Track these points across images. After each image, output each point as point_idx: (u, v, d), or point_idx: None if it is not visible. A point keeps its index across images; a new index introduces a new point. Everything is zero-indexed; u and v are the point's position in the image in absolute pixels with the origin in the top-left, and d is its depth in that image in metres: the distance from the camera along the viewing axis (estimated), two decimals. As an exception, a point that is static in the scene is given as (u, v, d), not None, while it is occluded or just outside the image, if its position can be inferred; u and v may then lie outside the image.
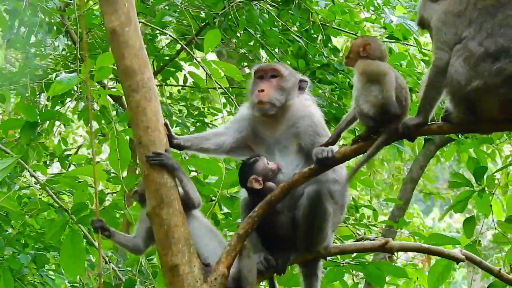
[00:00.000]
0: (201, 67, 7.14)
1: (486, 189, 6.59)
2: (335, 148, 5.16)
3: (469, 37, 4.76)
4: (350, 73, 8.73)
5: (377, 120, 4.97)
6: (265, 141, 5.58)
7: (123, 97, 7.33)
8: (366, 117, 4.99)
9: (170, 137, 5.29)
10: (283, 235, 5.42)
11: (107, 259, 6.70)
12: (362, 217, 8.91)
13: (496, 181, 7.04)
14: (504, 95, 4.69)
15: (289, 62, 8.25)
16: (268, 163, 5.39)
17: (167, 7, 8.32)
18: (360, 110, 4.99)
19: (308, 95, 5.73)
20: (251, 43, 8.71)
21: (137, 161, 5.28)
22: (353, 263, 6.35)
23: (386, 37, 8.93)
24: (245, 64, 8.96)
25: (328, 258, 5.87)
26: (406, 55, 8.39)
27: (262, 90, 5.48)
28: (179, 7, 8.28)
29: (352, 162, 5.60)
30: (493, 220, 6.83)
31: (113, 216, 5.94)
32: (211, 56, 8.35)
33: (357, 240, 6.42)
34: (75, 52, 8.33)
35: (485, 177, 6.58)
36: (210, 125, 9.23)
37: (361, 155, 5.09)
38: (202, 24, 8.68)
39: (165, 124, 5.25)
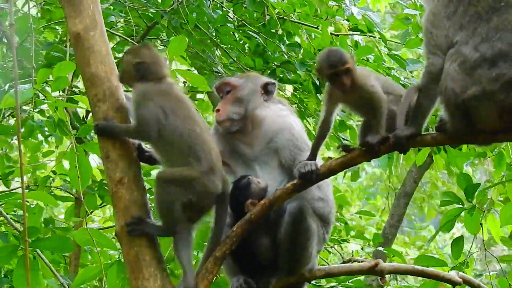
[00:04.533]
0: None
1: (476, 206, 6.46)
2: (319, 162, 4.93)
3: (462, 41, 4.60)
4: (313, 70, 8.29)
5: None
6: (244, 157, 5.37)
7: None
8: None
9: (140, 150, 5.03)
10: (264, 256, 5.21)
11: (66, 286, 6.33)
12: (332, 231, 8.41)
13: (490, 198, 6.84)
14: (503, 102, 4.48)
15: (243, 62, 7.88)
16: (258, 182, 5.17)
17: (111, 7, 7.92)
18: None
19: (285, 104, 5.54)
20: (208, 42, 8.30)
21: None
22: (340, 287, 6.17)
23: (350, 30, 8.58)
24: (199, 64, 8.53)
25: (313, 281, 5.74)
26: (372, 49, 7.99)
27: (218, 110, 5.36)
28: (125, 6, 7.84)
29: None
30: (483, 240, 6.60)
31: (65, 239, 5.56)
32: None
33: (345, 262, 6.18)
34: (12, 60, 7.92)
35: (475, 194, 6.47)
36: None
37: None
38: (150, 23, 8.27)
39: (135, 137, 5.04)
